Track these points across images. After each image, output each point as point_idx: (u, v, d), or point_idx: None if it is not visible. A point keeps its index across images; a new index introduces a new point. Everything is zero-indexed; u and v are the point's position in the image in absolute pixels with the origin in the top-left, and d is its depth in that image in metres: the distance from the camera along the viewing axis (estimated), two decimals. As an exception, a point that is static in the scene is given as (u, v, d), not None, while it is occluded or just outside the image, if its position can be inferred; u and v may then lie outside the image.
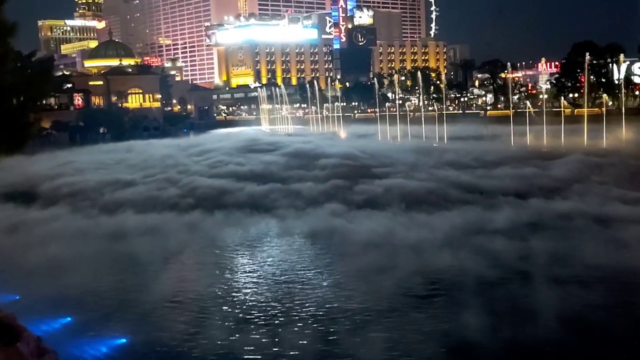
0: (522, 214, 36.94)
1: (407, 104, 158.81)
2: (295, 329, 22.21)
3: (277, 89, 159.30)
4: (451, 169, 56.97)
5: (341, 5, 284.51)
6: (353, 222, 36.77)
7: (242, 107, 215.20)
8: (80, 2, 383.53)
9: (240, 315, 23.87)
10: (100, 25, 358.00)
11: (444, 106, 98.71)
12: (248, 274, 29.68)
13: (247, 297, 26.21)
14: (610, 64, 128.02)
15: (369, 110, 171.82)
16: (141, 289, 26.73)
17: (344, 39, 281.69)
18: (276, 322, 22.98)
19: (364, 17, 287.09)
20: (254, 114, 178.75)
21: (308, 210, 40.63)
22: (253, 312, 24.21)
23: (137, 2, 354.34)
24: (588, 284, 25.30)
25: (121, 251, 32.28)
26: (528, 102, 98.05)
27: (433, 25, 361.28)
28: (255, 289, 27.19)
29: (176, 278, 28.95)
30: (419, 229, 33.71)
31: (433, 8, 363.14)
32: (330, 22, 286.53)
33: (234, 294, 26.59)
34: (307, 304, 24.73)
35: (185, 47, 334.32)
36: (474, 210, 38.19)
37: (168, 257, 31.57)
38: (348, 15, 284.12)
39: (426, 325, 22.07)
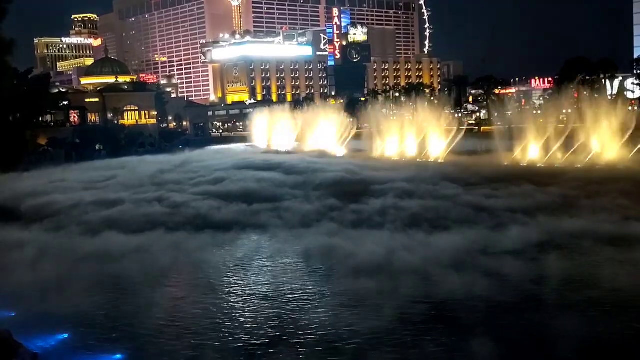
0: (530, 232, 35.97)
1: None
2: (293, 356, 21.62)
3: (271, 105, 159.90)
4: (451, 186, 56.14)
5: (335, 23, 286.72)
6: (352, 242, 35.39)
7: (237, 123, 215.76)
8: (76, 20, 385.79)
9: (236, 337, 23.29)
10: (96, 42, 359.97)
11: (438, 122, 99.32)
12: (244, 296, 28.56)
13: (242, 320, 25.36)
14: (603, 80, 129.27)
15: (363, 126, 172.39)
16: (135, 308, 26.49)
17: (338, 56, 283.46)
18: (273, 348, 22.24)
19: (358, 34, 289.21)
20: (249, 130, 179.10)
21: (304, 231, 39.63)
22: (248, 336, 23.52)
23: (133, 20, 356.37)
24: (608, 309, 24.34)
25: (105, 271, 31.59)
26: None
27: (427, 42, 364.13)
28: (251, 312, 26.21)
29: (168, 298, 28.46)
30: (423, 250, 32.78)
31: (427, 26, 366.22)
32: (324, 39, 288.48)
33: (230, 316, 25.75)
34: (306, 330, 23.78)
35: (181, 64, 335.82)
36: (479, 229, 37.38)
37: (159, 278, 30.95)
38: (342, 32, 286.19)
39: (432, 356, 21.20)
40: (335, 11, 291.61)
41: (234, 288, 30.10)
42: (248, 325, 24.73)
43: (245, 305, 27.32)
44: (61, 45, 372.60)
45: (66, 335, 23.02)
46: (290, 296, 28.04)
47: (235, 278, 31.79)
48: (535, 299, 26.02)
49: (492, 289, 26.64)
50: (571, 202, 46.20)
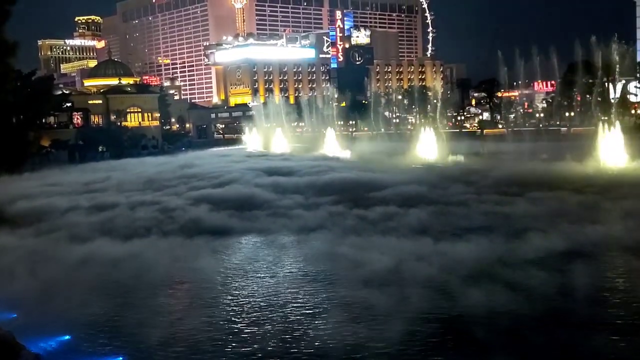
0: (546, 240, 33.80)
1: (409, 121, 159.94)
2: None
3: (274, 107, 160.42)
4: (461, 189, 55.03)
5: (338, 25, 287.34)
6: (358, 250, 33.64)
7: (240, 125, 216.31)
8: (79, 22, 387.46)
9: (238, 350, 22.48)
10: (100, 44, 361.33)
11: (441, 125, 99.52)
12: (247, 306, 27.32)
13: (244, 330, 24.26)
14: (606, 83, 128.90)
15: (366, 129, 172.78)
16: (133, 314, 26.09)
17: (341, 58, 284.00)
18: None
19: (361, 37, 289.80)
20: (251, 133, 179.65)
21: (306, 237, 38.43)
22: (251, 347, 22.71)
23: (136, 22, 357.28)
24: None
25: (102, 276, 30.88)
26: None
27: (430, 45, 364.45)
28: (254, 322, 25.09)
29: (168, 304, 28.06)
30: (433, 258, 31.07)
31: (430, 29, 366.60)
32: (327, 41, 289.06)
33: (232, 327, 24.62)
34: (308, 344, 22.64)
35: (184, 67, 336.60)
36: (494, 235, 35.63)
37: (159, 284, 30.41)
38: (345, 34, 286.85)
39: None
40: (338, 14, 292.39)
41: (233, 295, 29.25)
42: (247, 336, 23.86)
43: (244, 316, 26.32)
44: (65, 47, 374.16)
45: (68, 337, 23.05)
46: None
47: (235, 285, 30.85)
48: (564, 314, 23.94)
49: (514, 303, 24.67)
50: (582, 206, 44.79)
